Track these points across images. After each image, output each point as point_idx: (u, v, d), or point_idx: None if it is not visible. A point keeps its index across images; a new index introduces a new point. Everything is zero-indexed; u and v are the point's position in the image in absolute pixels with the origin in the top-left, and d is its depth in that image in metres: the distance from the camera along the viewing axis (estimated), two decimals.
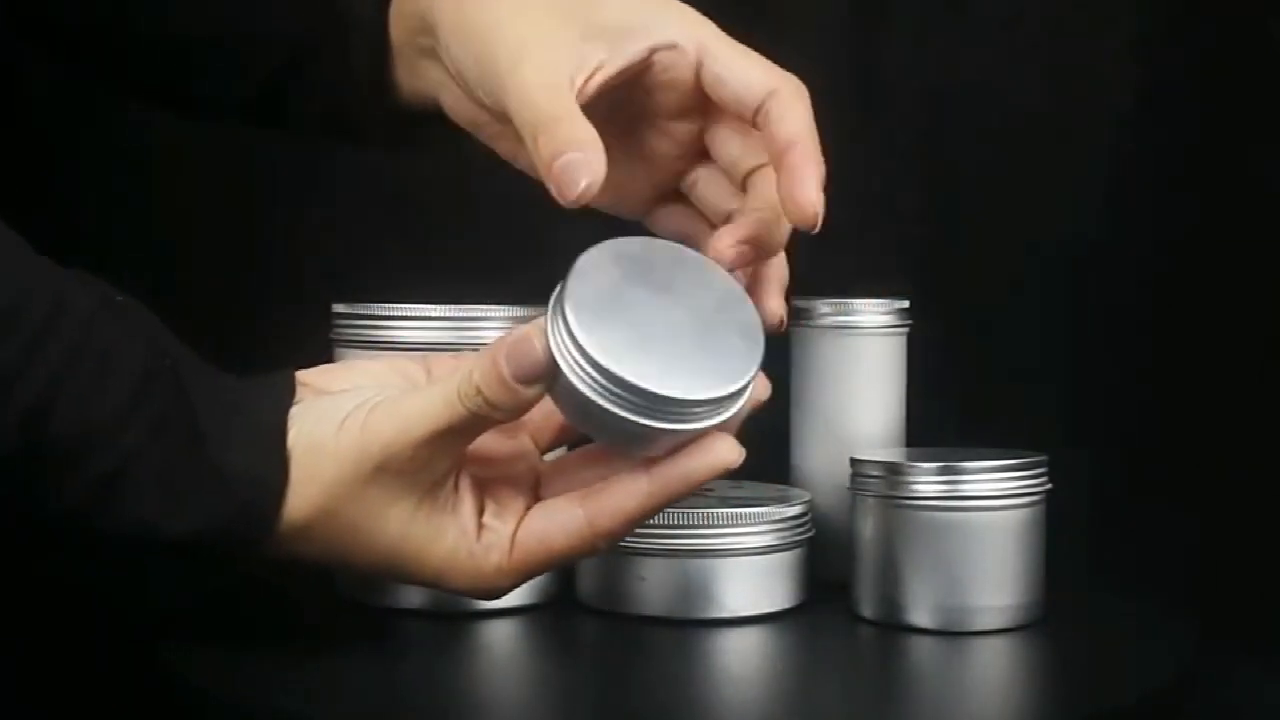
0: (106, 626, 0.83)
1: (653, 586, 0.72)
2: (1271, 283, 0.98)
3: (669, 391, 0.54)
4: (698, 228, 0.66)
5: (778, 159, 0.60)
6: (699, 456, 0.56)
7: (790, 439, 0.82)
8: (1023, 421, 0.96)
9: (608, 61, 0.61)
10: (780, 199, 0.59)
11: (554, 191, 0.57)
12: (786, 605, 0.74)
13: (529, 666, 0.70)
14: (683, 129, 0.65)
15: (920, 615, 0.71)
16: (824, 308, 0.80)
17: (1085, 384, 1.02)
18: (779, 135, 0.60)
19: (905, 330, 0.82)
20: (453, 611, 0.71)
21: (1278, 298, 0.98)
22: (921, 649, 0.70)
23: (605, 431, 0.56)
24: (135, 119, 0.97)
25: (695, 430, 0.55)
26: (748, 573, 0.72)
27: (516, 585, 0.60)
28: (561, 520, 0.58)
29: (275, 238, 1.03)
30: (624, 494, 0.57)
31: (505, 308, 0.73)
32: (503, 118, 0.61)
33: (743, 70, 0.62)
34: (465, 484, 0.59)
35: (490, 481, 0.60)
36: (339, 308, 0.75)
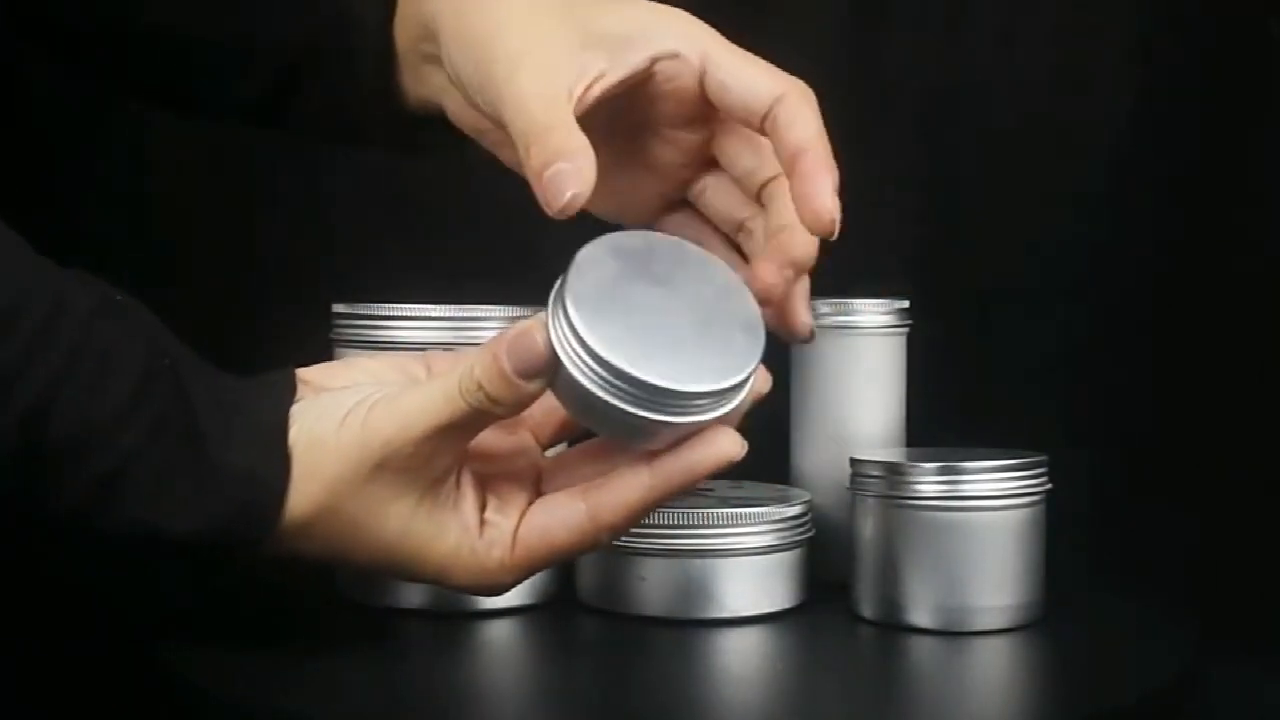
0: (106, 626, 0.83)
1: (653, 586, 0.72)
2: (1271, 283, 0.98)
3: (671, 384, 0.54)
4: (705, 236, 0.66)
5: (789, 166, 0.60)
6: (701, 449, 0.56)
7: (790, 439, 0.82)
8: (1023, 421, 0.96)
9: (608, 71, 0.61)
10: (796, 207, 0.59)
11: (541, 201, 0.57)
12: (786, 605, 0.74)
13: (529, 666, 0.70)
14: (688, 138, 0.65)
15: (920, 615, 0.71)
16: (824, 308, 0.80)
17: (1085, 384, 1.02)
18: (788, 142, 0.59)
19: (905, 330, 0.82)
20: (453, 611, 0.71)
21: (1278, 298, 0.98)
22: (921, 649, 0.70)
23: (607, 425, 0.56)
24: (135, 119, 0.97)
25: (697, 423, 0.55)
26: (748, 573, 0.72)
27: (519, 581, 0.60)
28: (563, 515, 0.58)
29: (275, 238, 1.03)
30: (626, 487, 0.57)
31: (505, 308, 0.73)
32: (499, 123, 0.61)
33: (748, 77, 0.61)
34: (467, 480, 0.59)
35: (491, 478, 0.60)
36: (339, 308, 0.75)
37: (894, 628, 0.71)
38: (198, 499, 0.56)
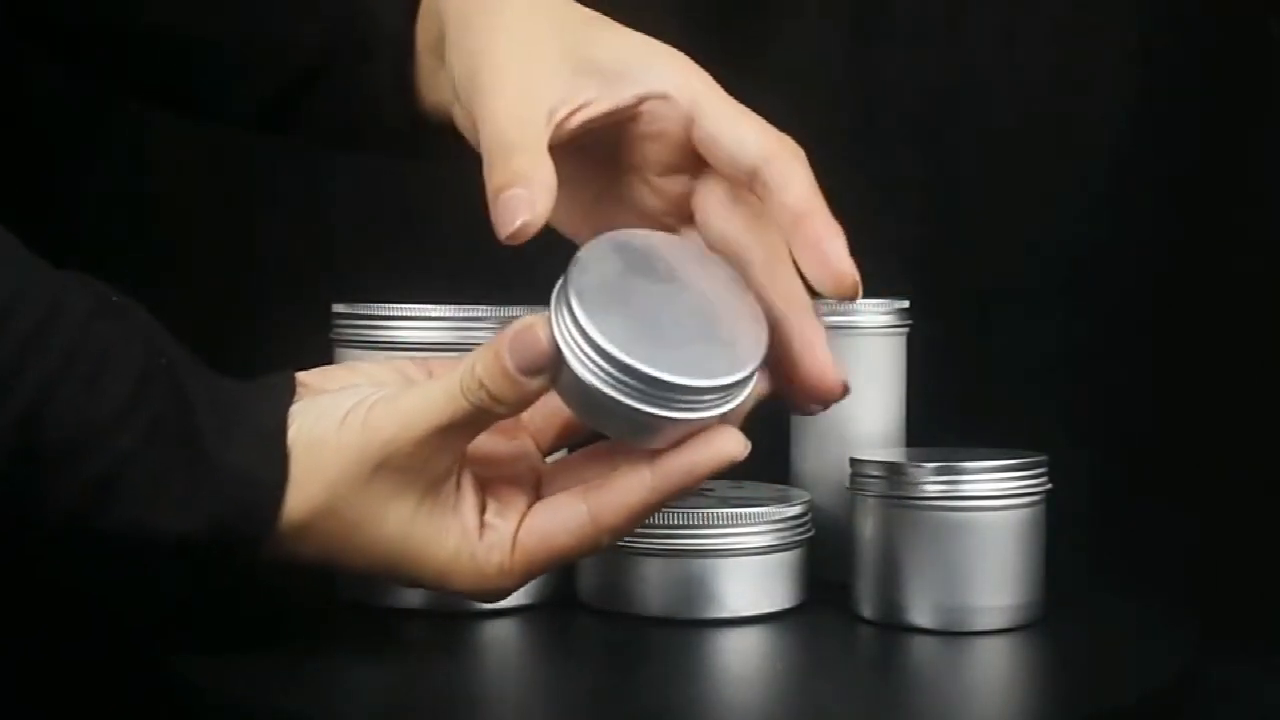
0: (106, 627, 0.83)
1: (653, 586, 0.72)
2: (1271, 283, 0.98)
3: (676, 378, 0.53)
4: None
5: (789, 230, 0.58)
6: (703, 448, 0.56)
7: (790, 439, 0.82)
8: (1023, 421, 0.96)
9: (596, 101, 0.60)
10: (809, 274, 0.57)
11: (493, 224, 0.56)
12: (786, 605, 0.74)
13: (529, 666, 0.70)
14: (670, 187, 0.63)
15: (920, 615, 0.71)
16: (824, 308, 0.80)
17: (1085, 384, 1.02)
18: (785, 205, 0.58)
19: (905, 330, 0.82)
20: (453, 611, 0.71)
21: (1278, 298, 0.98)
22: (921, 649, 0.70)
23: (610, 421, 0.56)
24: (135, 119, 0.97)
25: (701, 419, 0.55)
26: (748, 573, 0.72)
27: (520, 585, 0.59)
28: (564, 516, 0.58)
29: (275, 238, 1.03)
30: (627, 488, 0.57)
31: (505, 308, 0.73)
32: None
33: (736, 131, 0.59)
34: (467, 482, 0.59)
35: (491, 481, 0.60)
36: (339, 308, 0.75)
37: (894, 628, 0.71)
38: (195, 499, 0.56)
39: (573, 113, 0.59)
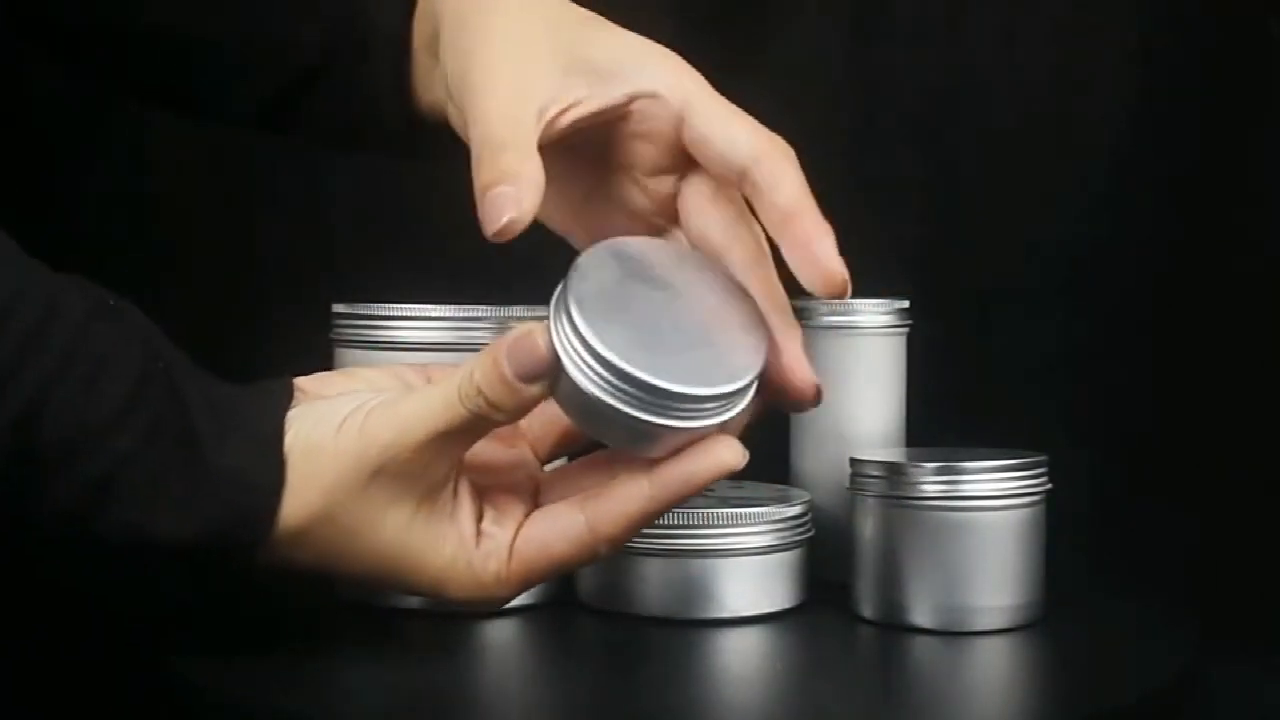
0: (106, 627, 0.83)
1: (653, 586, 0.72)
2: (1271, 283, 0.98)
3: (675, 386, 0.53)
4: None
5: (779, 230, 0.58)
6: (701, 458, 0.56)
7: (790, 439, 0.82)
8: (1023, 421, 0.96)
9: (586, 100, 0.60)
10: (799, 274, 0.58)
11: (480, 221, 0.56)
12: (786, 605, 0.74)
13: (529, 667, 0.70)
14: (661, 185, 0.63)
15: (920, 615, 0.71)
16: (824, 308, 0.80)
17: (1085, 384, 1.02)
18: (776, 205, 0.58)
19: (905, 330, 0.82)
20: (453, 612, 0.71)
21: (1278, 298, 0.98)
22: (921, 649, 0.70)
23: (608, 430, 0.56)
24: (135, 119, 0.97)
25: (700, 428, 0.55)
26: (748, 573, 0.72)
27: (516, 594, 0.59)
28: (562, 526, 0.57)
29: (275, 238, 1.03)
30: (625, 497, 0.56)
31: (505, 308, 0.73)
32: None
33: (727, 131, 0.59)
34: (464, 490, 0.58)
35: (489, 490, 0.59)
36: (339, 308, 0.75)
37: (894, 628, 0.71)
38: (191, 502, 0.55)
39: (563, 111, 0.59)
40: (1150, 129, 1.01)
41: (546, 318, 0.55)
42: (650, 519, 0.57)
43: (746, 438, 0.58)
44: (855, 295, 0.79)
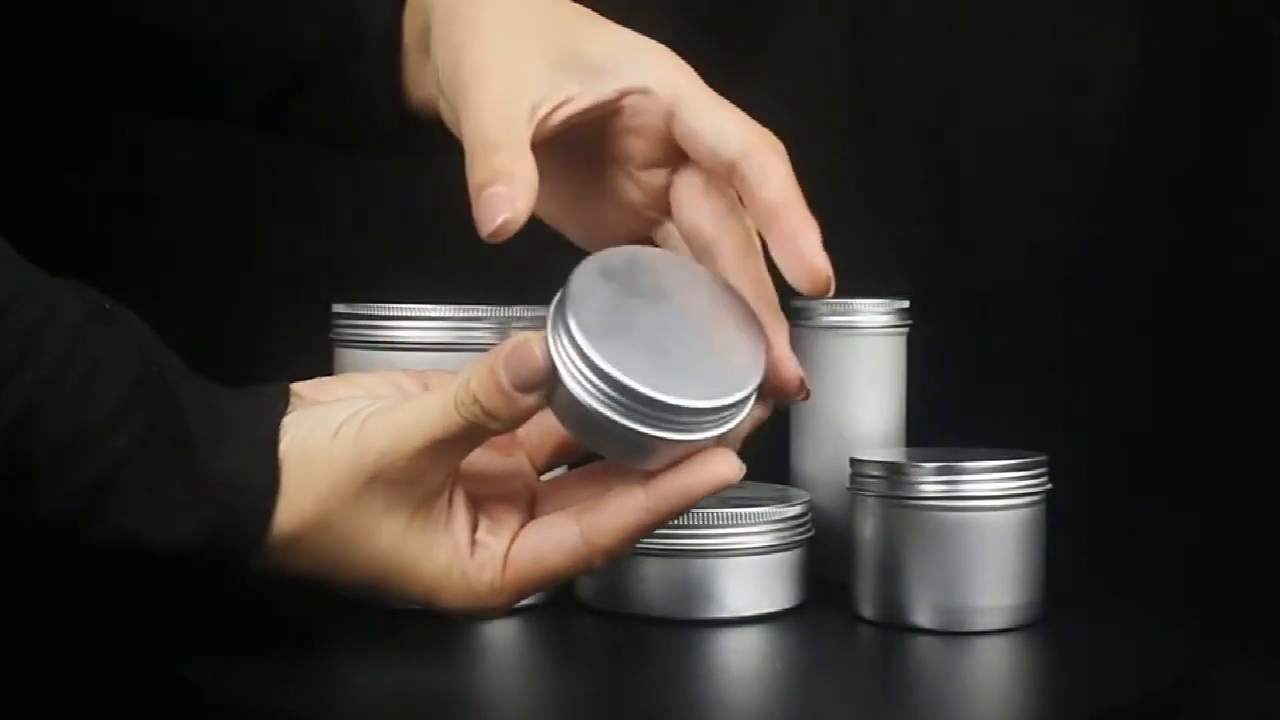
0: (106, 627, 0.83)
1: (653, 586, 0.72)
2: (1271, 283, 0.98)
3: (673, 399, 0.53)
4: None
5: (765, 224, 0.58)
6: (698, 471, 0.55)
7: (790, 439, 0.82)
8: (1023, 421, 0.96)
9: (577, 96, 0.60)
10: (784, 269, 0.57)
11: (475, 221, 0.56)
12: (786, 605, 0.74)
13: (529, 666, 0.70)
14: (653, 179, 0.63)
15: (920, 615, 0.71)
16: (824, 308, 0.80)
17: (1085, 384, 1.02)
18: (762, 199, 0.58)
19: (905, 330, 0.82)
20: None
21: (1278, 298, 0.98)
22: (921, 649, 0.70)
23: (605, 440, 0.55)
24: (135, 119, 0.97)
25: (697, 441, 0.54)
26: (748, 573, 0.72)
27: (511, 604, 0.58)
28: (557, 537, 0.57)
29: (275, 238, 1.03)
30: (621, 509, 0.56)
31: (505, 308, 0.73)
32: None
33: (717, 124, 0.59)
34: (459, 499, 0.58)
35: (484, 499, 0.59)
36: (339, 308, 0.75)
37: (894, 628, 0.71)
38: (186, 507, 0.55)
39: (555, 109, 0.59)
40: (1150, 129, 1.01)
41: (544, 326, 0.55)
42: (646, 531, 0.56)
43: (747, 439, 0.58)
44: (855, 295, 0.80)
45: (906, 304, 0.82)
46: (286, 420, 0.57)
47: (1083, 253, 1.02)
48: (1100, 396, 1.02)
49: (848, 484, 0.74)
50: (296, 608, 0.75)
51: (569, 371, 0.53)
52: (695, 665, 0.68)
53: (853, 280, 0.80)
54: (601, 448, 0.56)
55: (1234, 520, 0.96)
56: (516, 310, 0.73)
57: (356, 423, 0.56)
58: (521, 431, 0.60)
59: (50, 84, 0.97)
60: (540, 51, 0.60)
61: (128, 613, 0.75)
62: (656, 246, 0.65)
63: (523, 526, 0.58)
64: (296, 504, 0.56)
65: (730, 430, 0.55)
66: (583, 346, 0.53)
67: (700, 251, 0.61)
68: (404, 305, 0.73)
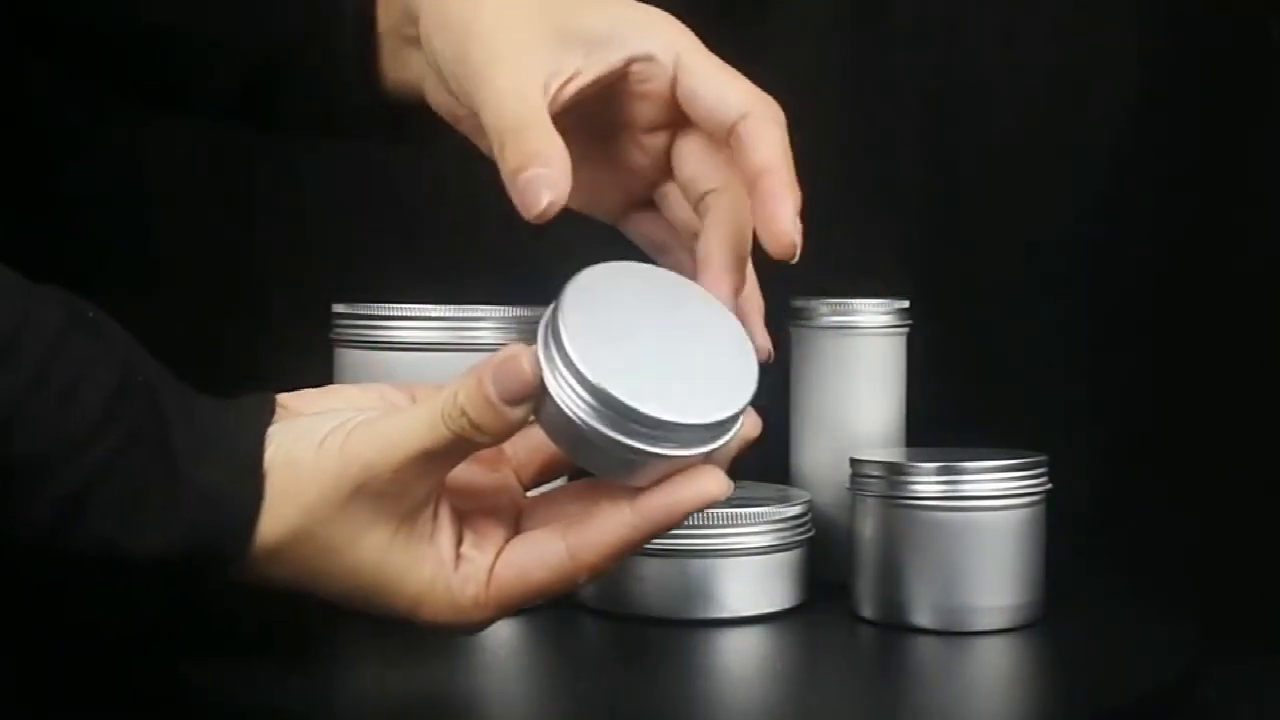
0: (105, 628, 0.83)
1: (653, 586, 0.72)
2: (1271, 283, 0.98)
3: (663, 414, 0.52)
4: (669, 238, 0.66)
5: (750, 185, 0.58)
6: (685, 487, 0.55)
7: (790, 439, 0.82)
8: (1023, 421, 0.96)
9: (584, 69, 0.60)
10: (756, 228, 0.58)
11: (517, 204, 0.56)
12: (786, 605, 0.74)
13: (529, 667, 0.70)
14: (656, 141, 0.63)
15: (920, 615, 0.71)
16: (824, 308, 0.80)
17: (1085, 384, 1.02)
18: (752, 161, 0.58)
19: (905, 330, 0.82)
20: None
21: (1278, 298, 0.98)
22: (921, 649, 0.70)
23: (592, 454, 0.54)
24: (135, 119, 0.97)
25: (686, 457, 0.54)
26: (748, 573, 0.72)
27: (494, 620, 0.57)
28: (541, 552, 0.56)
29: (275, 238, 1.03)
30: (607, 526, 0.55)
31: (505, 308, 0.73)
32: (475, 113, 0.60)
33: (718, 88, 0.60)
34: (445, 513, 0.57)
35: (470, 513, 0.58)
36: (339, 308, 0.75)
37: (894, 628, 0.71)
38: (168, 517, 0.54)
39: (565, 83, 0.59)
40: (1150, 129, 1.01)
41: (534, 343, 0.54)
42: (632, 548, 0.56)
43: (750, 446, 0.58)
44: (855, 295, 0.80)
45: (906, 304, 0.82)
46: (271, 430, 0.56)
47: (1083, 253, 1.02)
48: (1100, 397, 1.02)
49: (848, 484, 0.74)
50: (297, 608, 0.75)
51: (558, 385, 0.53)
52: (695, 665, 0.68)
53: (853, 280, 0.80)
54: (589, 462, 0.56)
55: (1234, 520, 0.96)
56: (516, 310, 0.73)
57: (342, 434, 0.55)
58: (508, 447, 0.60)
59: (50, 84, 0.97)
60: (543, 29, 0.60)
61: (127, 613, 0.75)
62: (655, 208, 0.66)
63: (508, 541, 0.57)
64: (280, 514, 0.55)
65: (719, 447, 0.55)
66: (573, 359, 0.52)
67: (696, 203, 0.62)
68: (404, 305, 0.73)
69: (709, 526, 0.71)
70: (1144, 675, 0.67)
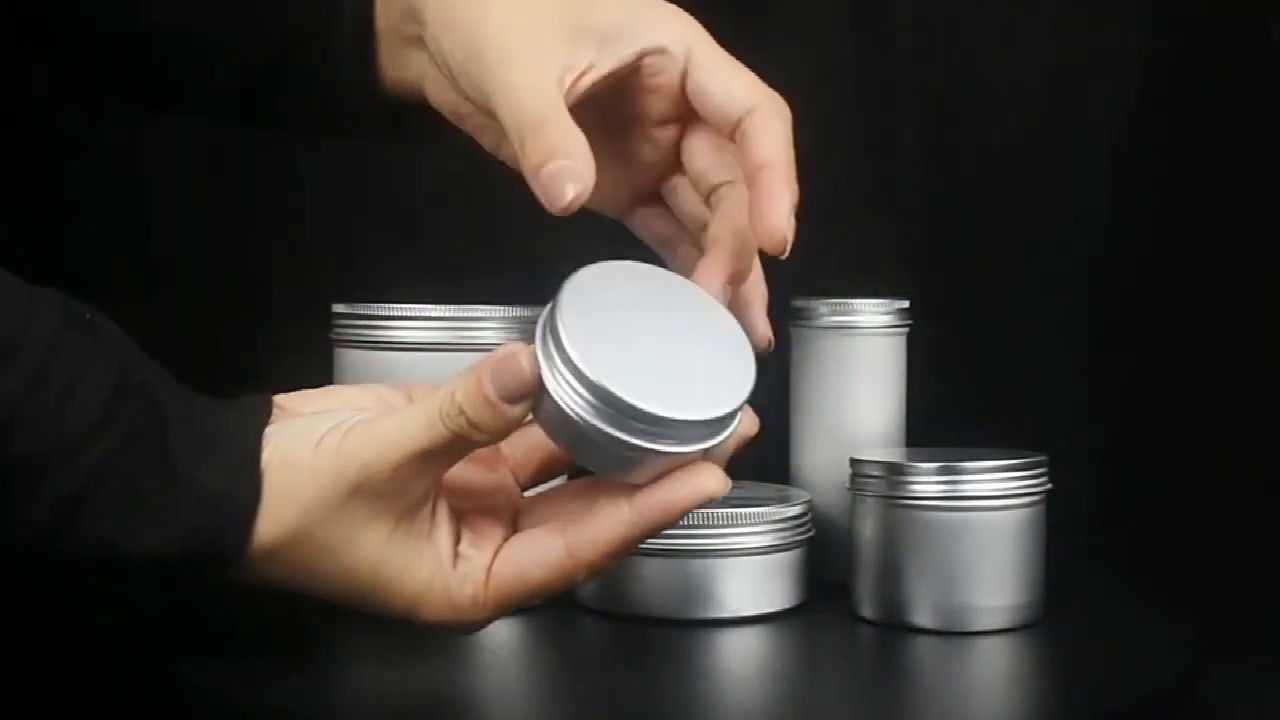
0: (105, 628, 0.83)
1: (653, 586, 0.72)
2: (1271, 283, 0.98)
3: (660, 410, 0.53)
4: (675, 232, 0.66)
5: (750, 179, 0.59)
6: (683, 484, 0.55)
7: (790, 439, 0.82)
8: (1023, 421, 0.96)
9: (597, 63, 0.60)
10: (750, 220, 0.58)
11: (541, 198, 0.56)
12: (786, 605, 0.74)
13: (528, 667, 0.70)
14: (666, 134, 0.64)
15: (920, 615, 0.71)
16: (824, 308, 0.80)
17: (1085, 384, 1.02)
18: (753, 155, 0.59)
19: (905, 330, 0.82)
20: None
21: (1278, 298, 0.98)
22: (921, 649, 0.70)
23: (591, 451, 0.55)
24: (135, 119, 0.97)
25: (684, 454, 0.54)
26: (748, 573, 0.72)
27: (492, 619, 0.57)
28: (540, 550, 0.56)
29: (275, 238, 1.03)
30: (605, 523, 0.55)
31: (504, 308, 0.73)
32: (487, 111, 0.60)
33: (726, 83, 0.61)
34: (443, 512, 0.57)
35: (468, 513, 0.58)
36: (339, 308, 0.75)
37: (894, 628, 0.71)
38: (166, 518, 0.54)
39: (579, 78, 0.60)
40: (1150, 129, 1.01)
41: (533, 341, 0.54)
42: (630, 545, 0.56)
43: (747, 444, 0.58)
44: (855, 295, 0.80)
45: (906, 304, 0.82)
46: (269, 431, 0.56)
47: (1083, 253, 1.02)
48: (1100, 397, 1.02)
49: (848, 484, 0.74)
50: (294, 608, 0.75)
51: (557, 382, 0.53)
52: (695, 665, 0.68)
53: (853, 280, 0.80)
54: (587, 460, 0.56)
55: (1234, 520, 0.96)
56: (516, 310, 0.73)
57: (339, 434, 0.55)
58: (505, 447, 0.60)
59: (50, 84, 0.97)
60: (556, 24, 0.60)
61: (126, 613, 0.75)
62: (660, 203, 0.66)
63: (506, 541, 0.57)
64: (278, 515, 0.55)
65: (717, 445, 0.55)
66: (571, 357, 0.52)
67: (708, 195, 0.63)
68: (404, 305, 0.73)
69: (709, 526, 0.71)
70: (1144, 675, 0.67)
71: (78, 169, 1.00)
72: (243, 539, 0.55)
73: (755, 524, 0.72)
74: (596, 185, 0.58)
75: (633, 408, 0.52)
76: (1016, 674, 0.69)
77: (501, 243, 1.00)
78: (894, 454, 0.75)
